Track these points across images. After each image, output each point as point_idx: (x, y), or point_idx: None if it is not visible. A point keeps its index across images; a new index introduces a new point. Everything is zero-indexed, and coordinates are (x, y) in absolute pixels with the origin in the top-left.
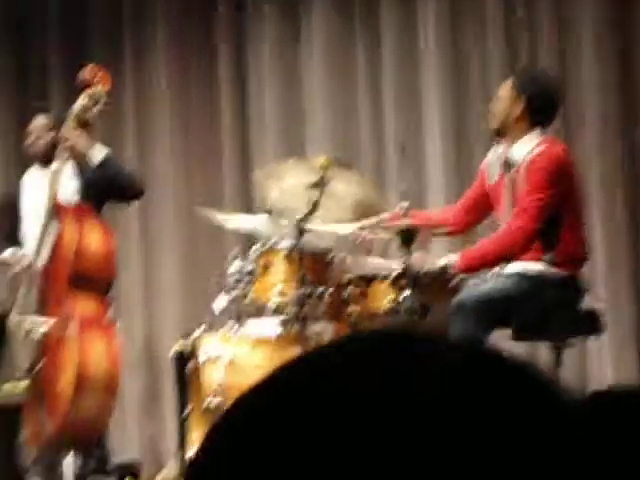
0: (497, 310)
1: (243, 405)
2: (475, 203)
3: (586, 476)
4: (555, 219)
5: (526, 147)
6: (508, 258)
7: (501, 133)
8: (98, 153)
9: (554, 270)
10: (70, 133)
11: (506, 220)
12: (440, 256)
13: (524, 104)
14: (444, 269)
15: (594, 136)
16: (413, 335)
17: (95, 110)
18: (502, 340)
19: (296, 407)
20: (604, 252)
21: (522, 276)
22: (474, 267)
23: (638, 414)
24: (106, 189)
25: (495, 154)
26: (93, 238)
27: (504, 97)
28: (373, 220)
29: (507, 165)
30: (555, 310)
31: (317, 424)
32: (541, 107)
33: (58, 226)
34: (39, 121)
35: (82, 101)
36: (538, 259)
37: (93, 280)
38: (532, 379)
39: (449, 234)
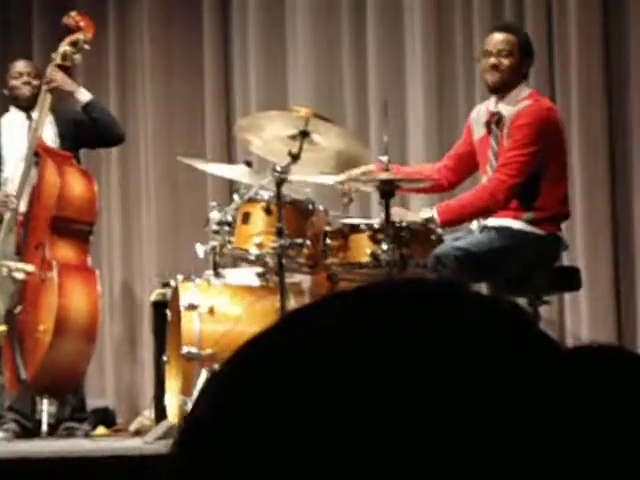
0: (475, 265)
1: (241, 359)
2: (460, 159)
3: (583, 421)
4: (536, 177)
5: (514, 101)
6: (487, 212)
7: (501, 89)
8: (85, 93)
9: (533, 228)
10: (55, 72)
11: (489, 175)
12: (420, 209)
13: (525, 60)
14: (426, 222)
15: (578, 91)
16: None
17: (77, 57)
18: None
19: (295, 362)
20: (583, 209)
21: (501, 232)
22: (453, 220)
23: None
24: (87, 133)
25: (481, 109)
26: (75, 183)
27: (512, 54)
28: (353, 172)
29: (495, 120)
30: (533, 266)
31: (320, 380)
32: (530, 63)
33: (39, 171)
34: (26, 66)
35: (64, 47)
36: (517, 217)
37: (74, 225)
38: (528, 325)
39: (433, 190)
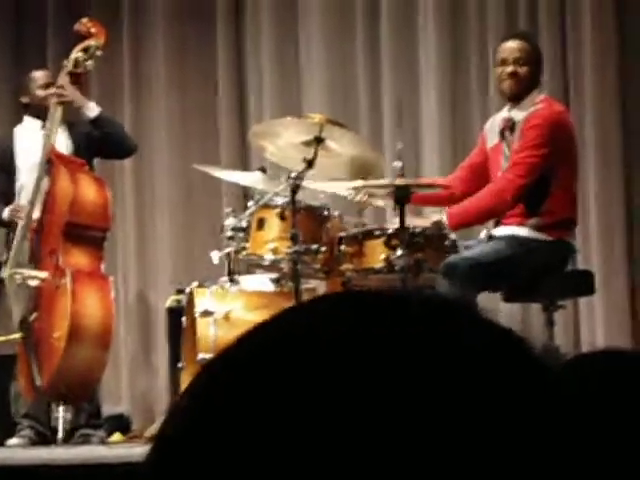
0: (486, 273)
1: (227, 357)
2: (473, 170)
3: (565, 437)
4: (545, 181)
5: (527, 107)
6: (496, 212)
7: (517, 97)
8: (93, 108)
9: (539, 234)
10: (66, 85)
11: None
12: (429, 215)
13: (539, 68)
14: (437, 225)
15: (591, 96)
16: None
17: (89, 63)
18: (494, 301)
19: (278, 362)
20: (597, 213)
21: (511, 239)
22: (462, 223)
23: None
24: (99, 145)
25: (495, 119)
26: (88, 190)
27: (528, 62)
28: (369, 182)
29: (509, 126)
30: (543, 272)
31: (294, 380)
32: (542, 70)
33: (52, 178)
34: (50, 77)
35: (75, 54)
36: (522, 224)
37: (87, 232)
38: (509, 342)
39: (445, 201)
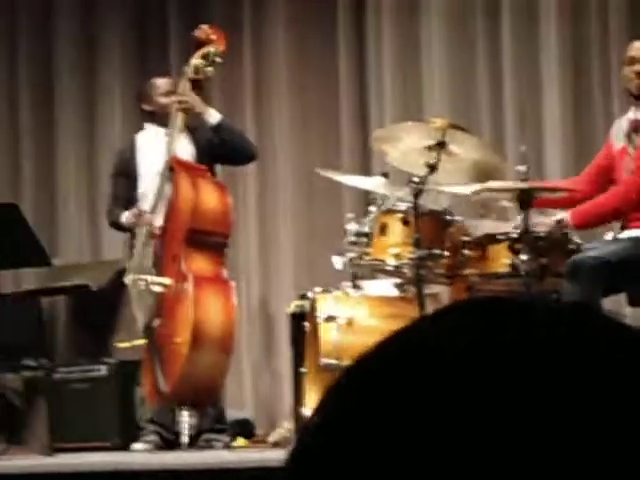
0: (613, 274)
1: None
2: (598, 172)
3: None
4: None
5: None
6: (621, 212)
7: None
8: (214, 115)
9: None
10: (187, 92)
11: None
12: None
13: None
14: (560, 224)
15: None
16: (525, 302)
17: (209, 70)
18: (618, 305)
19: (409, 374)
20: None
21: (635, 242)
22: (586, 222)
23: None
24: (220, 152)
25: (621, 122)
26: (209, 196)
27: None
28: (494, 185)
29: (635, 128)
30: None
31: (428, 391)
32: None
33: (174, 185)
34: (172, 84)
35: (195, 60)
36: None
37: (209, 238)
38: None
39: (570, 203)
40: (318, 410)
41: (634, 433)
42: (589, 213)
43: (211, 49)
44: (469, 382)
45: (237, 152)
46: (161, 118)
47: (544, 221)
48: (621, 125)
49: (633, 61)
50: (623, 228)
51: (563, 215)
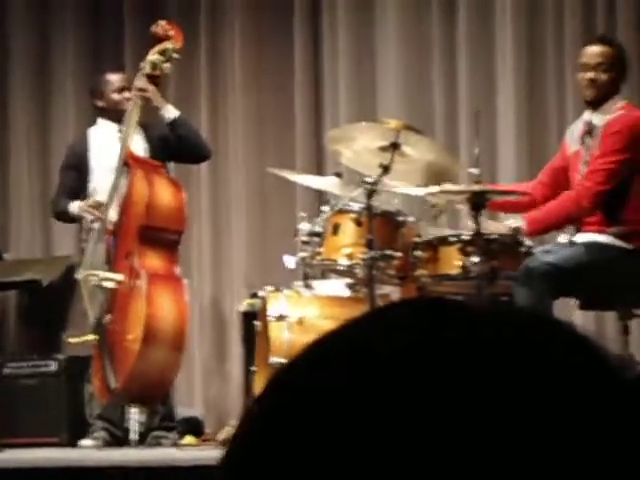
0: (564, 279)
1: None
2: (554, 174)
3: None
4: (624, 189)
5: (607, 113)
6: (573, 219)
7: (597, 103)
8: (172, 111)
9: (621, 242)
10: (145, 85)
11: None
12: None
13: (621, 74)
14: (514, 232)
15: None
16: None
17: (166, 66)
18: (568, 309)
19: (344, 371)
20: None
21: (591, 246)
22: (540, 229)
23: None
24: (174, 149)
25: (577, 124)
26: (164, 192)
27: (610, 68)
28: (446, 188)
29: (588, 132)
30: (622, 281)
31: (362, 390)
32: (625, 75)
33: (129, 181)
34: (126, 80)
35: (152, 56)
36: (603, 231)
37: (163, 235)
38: (592, 352)
39: (524, 207)
40: (251, 408)
41: (572, 435)
42: (542, 220)
43: (169, 45)
44: (405, 381)
45: (192, 150)
46: (114, 114)
47: (497, 229)
48: (576, 127)
49: (585, 68)
50: (578, 231)
51: (517, 223)
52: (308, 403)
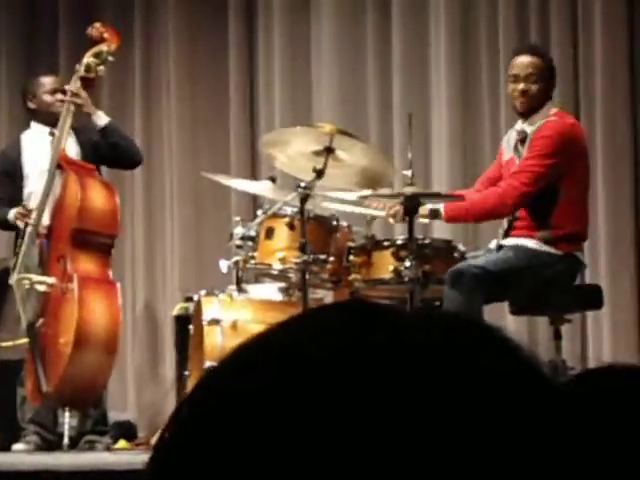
0: (494, 283)
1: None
2: (490, 183)
3: (569, 457)
4: (553, 194)
5: (539, 121)
6: (493, 215)
7: (529, 113)
8: (103, 117)
9: (549, 248)
10: (78, 91)
11: None
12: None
13: (552, 83)
14: (432, 213)
15: (603, 109)
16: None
17: (101, 68)
18: (501, 314)
19: (269, 374)
20: (606, 227)
21: (517, 250)
22: (457, 217)
23: (629, 392)
24: (105, 155)
25: (511, 133)
26: (97, 195)
27: (540, 78)
28: (379, 192)
29: (520, 140)
30: (550, 285)
31: (287, 393)
32: (554, 83)
33: (62, 184)
34: (59, 82)
35: (87, 59)
36: (532, 236)
37: (95, 238)
38: (521, 357)
39: None
40: (178, 410)
41: (496, 440)
42: (463, 209)
43: (104, 48)
44: (332, 385)
45: (123, 156)
46: (46, 116)
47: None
48: (510, 136)
49: (516, 79)
50: (506, 235)
51: (438, 205)
52: (236, 406)
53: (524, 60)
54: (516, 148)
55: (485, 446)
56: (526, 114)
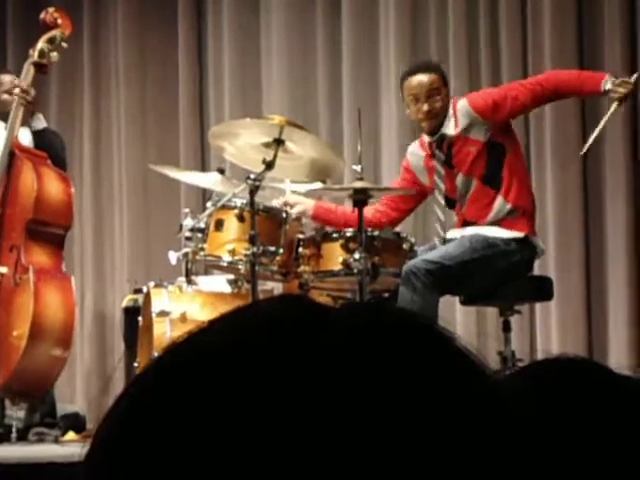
0: (450, 277)
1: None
2: (402, 197)
3: (508, 452)
4: (497, 175)
5: (451, 118)
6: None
7: (437, 128)
8: (41, 121)
9: (505, 231)
10: (29, 88)
11: (441, 204)
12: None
13: (448, 89)
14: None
15: (549, 108)
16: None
17: (54, 54)
18: (450, 305)
19: (200, 371)
20: (555, 219)
21: (477, 241)
22: (324, 220)
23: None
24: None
25: (418, 155)
26: (52, 185)
27: (440, 92)
28: (328, 185)
29: (436, 145)
30: (506, 276)
31: (215, 390)
32: (448, 83)
33: (15, 172)
34: (13, 78)
35: (41, 44)
36: (487, 222)
37: (50, 229)
38: (457, 353)
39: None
40: (119, 400)
41: (422, 439)
42: (331, 211)
43: (57, 33)
44: (258, 381)
45: (53, 161)
46: (4, 115)
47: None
48: (419, 157)
49: (417, 99)
50: (455, 226)
51: (311, 202)
52: (167, 402)
53: (422, 79)
54: (432, 157)
55: (407, 447)
56: (435, 131)
